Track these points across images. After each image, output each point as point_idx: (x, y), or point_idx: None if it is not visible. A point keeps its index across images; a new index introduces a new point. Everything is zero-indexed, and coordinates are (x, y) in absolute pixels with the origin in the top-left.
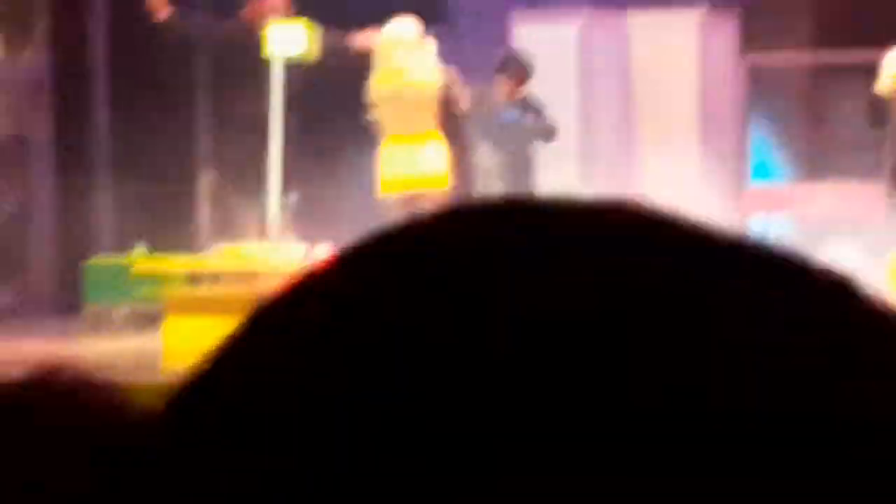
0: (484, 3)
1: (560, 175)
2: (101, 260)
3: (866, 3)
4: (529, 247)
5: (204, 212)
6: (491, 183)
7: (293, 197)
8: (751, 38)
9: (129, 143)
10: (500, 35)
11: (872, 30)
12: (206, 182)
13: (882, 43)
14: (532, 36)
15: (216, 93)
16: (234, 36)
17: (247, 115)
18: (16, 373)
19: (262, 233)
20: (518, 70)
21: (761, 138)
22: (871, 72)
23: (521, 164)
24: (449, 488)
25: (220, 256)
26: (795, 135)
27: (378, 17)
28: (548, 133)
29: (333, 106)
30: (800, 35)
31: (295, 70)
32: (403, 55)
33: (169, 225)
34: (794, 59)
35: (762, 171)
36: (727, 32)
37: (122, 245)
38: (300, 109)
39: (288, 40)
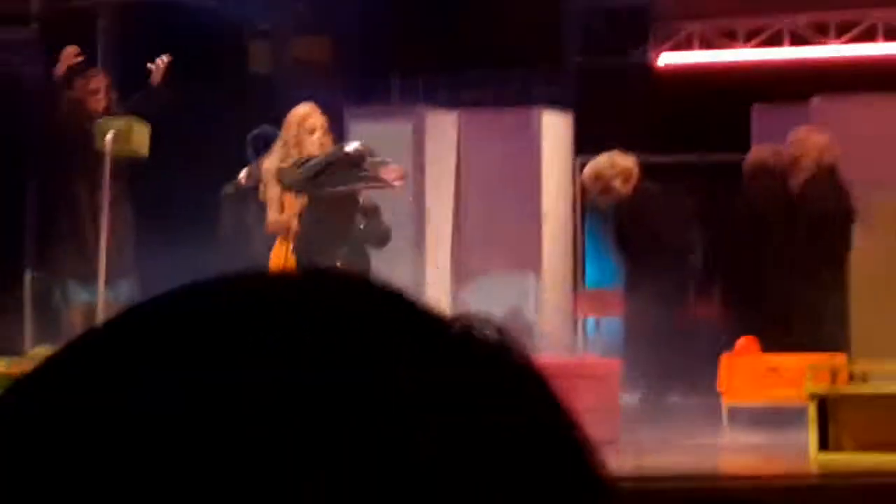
0: (317, 100)
1: (397, 278)
2: None
3: (692, 112)
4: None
5: (28, 314)
6: None
7: (123, 287)
8: (585, 140)
9: None
10: (338, 133)
11: (694, 135)
12: (30, 284)
13: (705, 147)
14: (367, 134)
15: (43, 188)
16: (65, 123)
17: (75, 209)
18: None
19: None
20: None
21: (596, 242)
22: (698, 172)
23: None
24: None
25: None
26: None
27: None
28: (381, 238)
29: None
30: (630, 139)
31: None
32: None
33: None
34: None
35: (596, 274)
36: (562, 133)
37: None
38: (133, 200)
39: (119, 138)
